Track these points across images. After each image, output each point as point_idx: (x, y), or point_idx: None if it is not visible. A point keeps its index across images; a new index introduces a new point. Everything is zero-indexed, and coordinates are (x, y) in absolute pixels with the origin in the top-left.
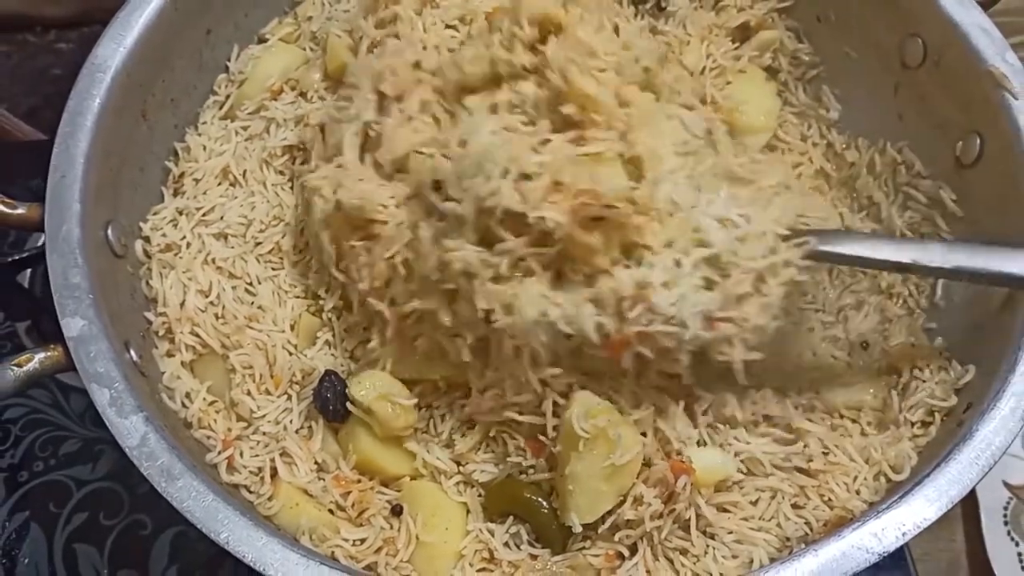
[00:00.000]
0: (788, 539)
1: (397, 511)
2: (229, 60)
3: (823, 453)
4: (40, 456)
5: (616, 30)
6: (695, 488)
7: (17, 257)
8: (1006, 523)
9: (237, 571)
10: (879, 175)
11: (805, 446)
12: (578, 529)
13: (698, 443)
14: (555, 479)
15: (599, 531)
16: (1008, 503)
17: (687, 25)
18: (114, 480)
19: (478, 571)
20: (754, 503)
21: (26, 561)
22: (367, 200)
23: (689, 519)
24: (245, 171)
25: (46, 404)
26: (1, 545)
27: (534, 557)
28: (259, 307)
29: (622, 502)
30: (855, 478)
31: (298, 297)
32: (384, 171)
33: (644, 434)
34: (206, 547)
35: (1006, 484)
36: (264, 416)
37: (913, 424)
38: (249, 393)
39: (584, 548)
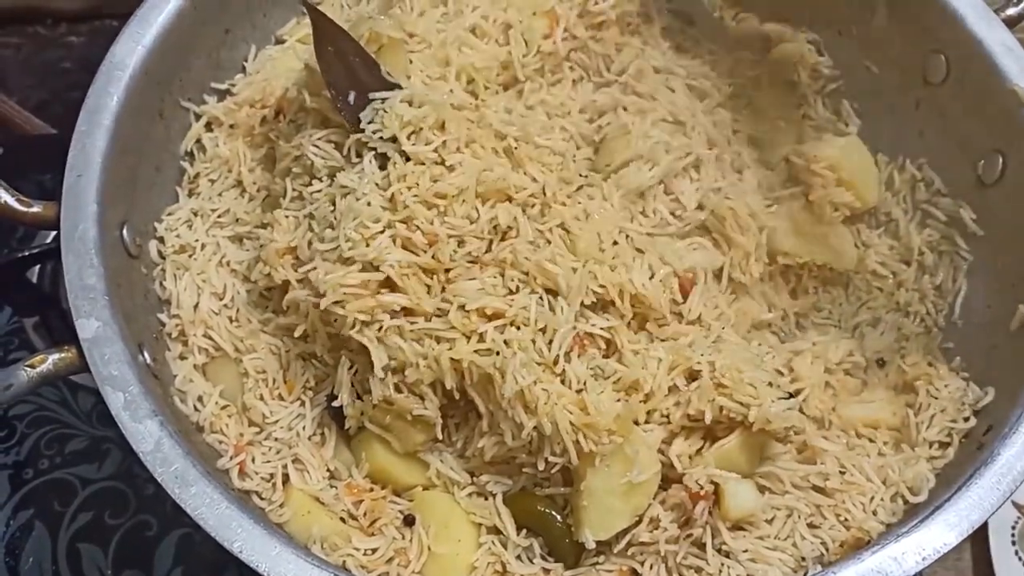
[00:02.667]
0: (804, 559)
1: (409, 521)
2: (246, 60)
3: (840, 472)
4: (46, 454)
5: None
6: (717, 517)
7: (26, 253)
8: (1014, 542)
9: (242, 574)
10: (898, 192)
11: (821, 464)
12: (591, 546)
13: None
14: (570, 494)
15: (613, 548)
16: (1016, 522)
17: (712, 40)
18: (120, 480)
19: None
20: (770, 521)
21: (30, 560)
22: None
23: (705, 541)
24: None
25: (53, 401)
26: (5, 543)
27: (547, 571)
28: (273, 311)
29: (638, 522)
30: (872, 498)
31: None
32: None
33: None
34: (211, 549)
35: (1014, 503)
36: (277, 422)
37: (931, 445)
38: (262, 398)
39: (597, 563)
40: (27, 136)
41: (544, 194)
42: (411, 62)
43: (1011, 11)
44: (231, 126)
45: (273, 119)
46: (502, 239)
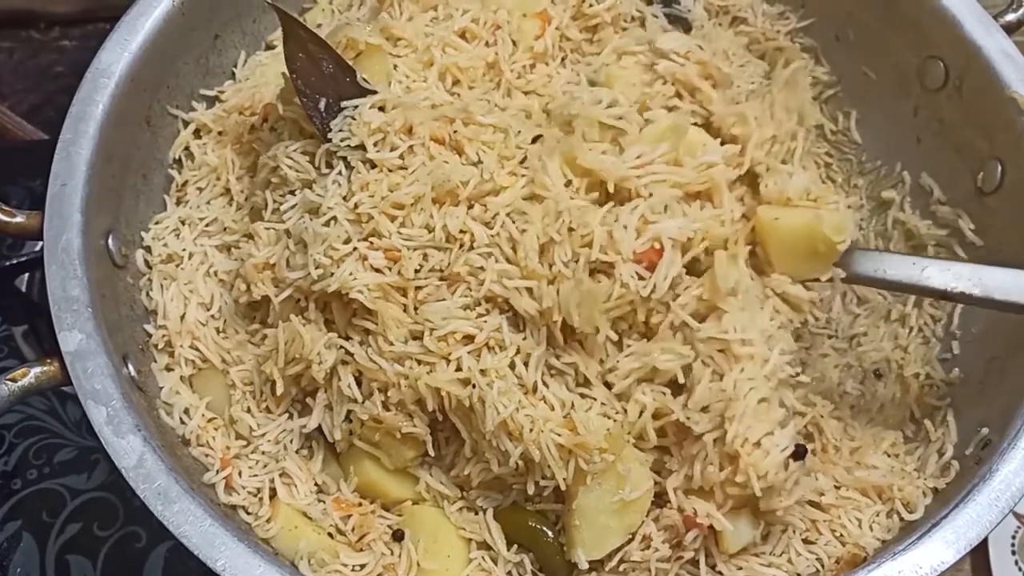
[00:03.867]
0: None
1: (398, 536)
2: (236, 66)
3: (835, 487)
4: (34, 464)
5: None
6: (712, 542)
7: (15, 261)
8: (1013, 552)
9: None
10: (895, 200)
11: (816, 477)
12: (584, 566)
13: None
14: (562, 513)
15: (605, 566)
16: (1016, 532)
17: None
18: (109, 490)
19: None
20: (765, 537)
21: (18, 571)
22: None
23: (698, 559)
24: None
25: (42, 411)
26: None
27: None
28: (260, 322)
29: (630, 540)
30: (868, 514)
31: None
32: None
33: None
34: (200, 562)
35: (1014, 513)
36: (264, 435)
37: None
38: (249, 410)
39: None
40: (19, 141)
41: (483, 177)
42: (396, 68)
43: (1010, 17)
44: (220, 133)
45: (260, 127)
46: (460, 247)
